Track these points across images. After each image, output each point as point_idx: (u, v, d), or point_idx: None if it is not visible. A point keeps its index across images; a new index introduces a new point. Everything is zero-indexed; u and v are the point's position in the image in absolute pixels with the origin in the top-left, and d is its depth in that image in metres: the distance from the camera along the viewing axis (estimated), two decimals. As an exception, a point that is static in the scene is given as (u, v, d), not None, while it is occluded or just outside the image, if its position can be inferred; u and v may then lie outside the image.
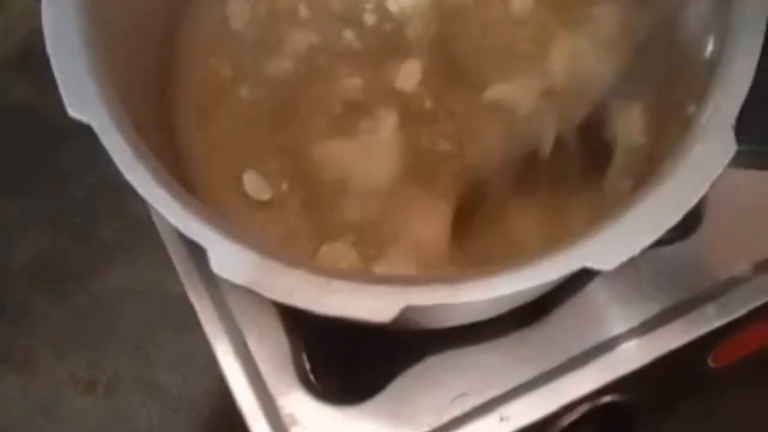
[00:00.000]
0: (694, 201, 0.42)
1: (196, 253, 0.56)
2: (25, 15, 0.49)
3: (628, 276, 0.57)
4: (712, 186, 0.56)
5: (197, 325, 0.56)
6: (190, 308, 0.56)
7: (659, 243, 0.56)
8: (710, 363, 0.61)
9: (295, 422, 0.54)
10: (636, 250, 0.41)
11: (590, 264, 0.41)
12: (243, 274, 0.40)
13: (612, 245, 0.41)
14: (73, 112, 0.42)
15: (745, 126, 0.44)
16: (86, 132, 0.58)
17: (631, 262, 0.54)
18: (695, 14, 0.50)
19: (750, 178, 0.58)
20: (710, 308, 0.57)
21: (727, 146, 0.42)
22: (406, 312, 0.40)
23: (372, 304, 0.40)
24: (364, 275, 0.45)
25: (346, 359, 0.56)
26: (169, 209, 0.41)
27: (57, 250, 0.67)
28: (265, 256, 0.41)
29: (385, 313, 0.40)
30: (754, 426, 0.62)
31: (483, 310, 0.50)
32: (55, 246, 0.67)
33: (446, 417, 0.54)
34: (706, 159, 0.42)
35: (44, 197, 0.68)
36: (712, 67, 0.46)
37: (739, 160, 0.44)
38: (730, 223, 0.58)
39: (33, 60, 0.52)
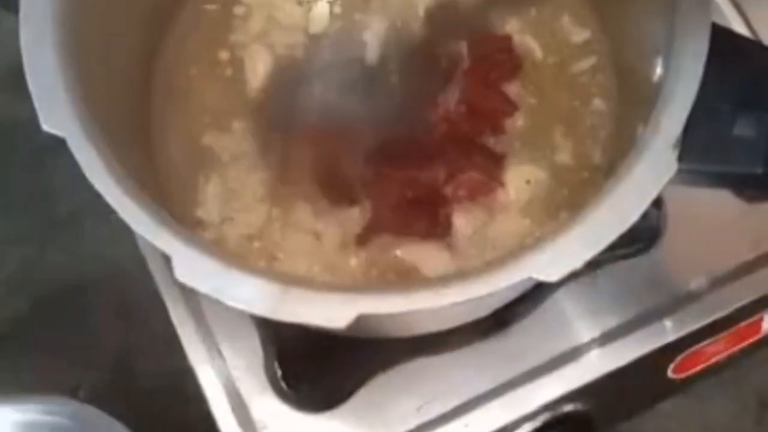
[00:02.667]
0: (635, 218, 0.43)
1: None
2: (15, 31, 0.51)
3: (589, 289, 0.59)
4: (667, 202, 0.59)
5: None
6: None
7: (620, 257, 0.60)
8: (670, 374, 0.63)
9: (265, 427, 0.56)
10: (578, 263, 0.43)
11: (535, 275, 0.42)
12: (205, 282, 0.42)
13: (557, 257, 0.43)
14: (47, 126, 0.44)
15: (689, 146, 0.45)
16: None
17: (591, 276, 0.57)
18: (646, 38, 0.52)
19: (708, 195, 0.59)
20: (667, 322, 0.59)
21: (667, 166, 0.44)
22: (364, 319, 0.42)
23: (328, 312, 0.42)
24: (320, 284, 0.47)
25: (317, 367, 0.58)
26: (135, 219, 0.43)
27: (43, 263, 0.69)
28: (227, 265, 0.43)
29: (340, 321, 0.42)
30: (714, 428, 0.64)
31: (442, 319, 0.52)
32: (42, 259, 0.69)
33: (413, 423, 0.57)
34: (646, 178, 0.44)
35: (31, 212, 0.69)
36: (659, 90, 0.48)
37: (686, 179, 0.46)
38: (688, 238, 0.60)
39: (15, 75, 0.53)
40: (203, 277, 0.42)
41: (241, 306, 0.42)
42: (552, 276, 0.43)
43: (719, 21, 0.59)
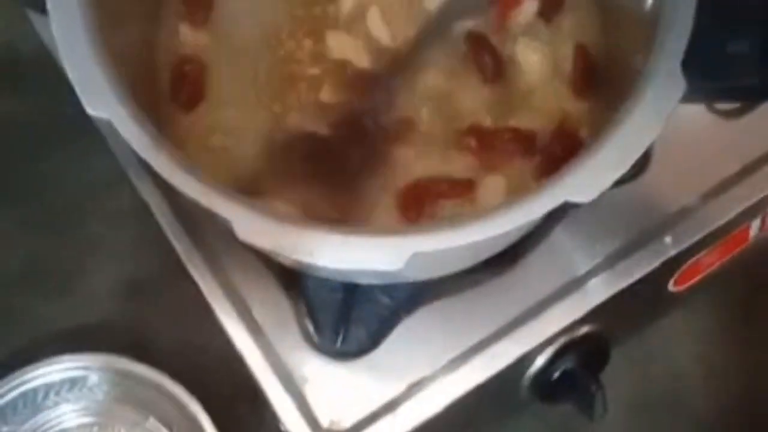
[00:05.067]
0: (653, 136, 0.47)
1: (195, 233, 0.60)
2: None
3: (589, 219, 0.62)
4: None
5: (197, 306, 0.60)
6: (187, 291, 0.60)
7: (614, 184, 0.63)
8: (671, 288, 0.66)
9: (306, 381, 0.59)
10: (608, 182, 0.46)
11: (571, 198, 0.46)
12: (267, 239, 0.44)
13: (587, 181, 0.46)
14: (92, 110, 0.46)
15: (689, 65, 0.48)
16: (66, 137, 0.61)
17: (591, 205, 0.60)
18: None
19: (692, 114, 0.63)
20: (666, 239, 0.62)
21: (678, 85, 0.47)
22: (412, 259, 0.45)
23: (385, 255, 0.44)
24: (372, 230, 0.49)
25: (347, 317, 0.60)
26: (192, 188, 0.45)
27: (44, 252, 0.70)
28: (282, 221, 0.45)
29: (397, 261, 0.44)
30: (709, 336, 0.68)
31: (468, 257, 0.55)
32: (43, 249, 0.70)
33: (443, 360, 0.59)
34: (660, 97, 0.47)
35: (27, 203, 0.70)
36: (655, 16, 0.51)
37: (688, 97, 0.49)
38: (676, 158, 0.63)
39: (9, 69, 0.54)
40: (265, 235, 0.44)
41: (303, 258, 0.44)
42: (586, 197, 0.46)
43: None
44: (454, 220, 0.46)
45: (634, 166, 0.61)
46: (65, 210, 0.65)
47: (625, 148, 0.47)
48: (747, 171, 0.64)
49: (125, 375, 0.63)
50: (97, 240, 0.68)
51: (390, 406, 0.58)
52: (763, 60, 0.49)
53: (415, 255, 0.45)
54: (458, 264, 0.55)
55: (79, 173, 0.68)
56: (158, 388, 0.63)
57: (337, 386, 0.59)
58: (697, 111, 0.64)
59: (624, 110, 0.48)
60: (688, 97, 0.49)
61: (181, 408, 0.63)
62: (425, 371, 0.59)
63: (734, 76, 0.49)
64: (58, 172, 0.66)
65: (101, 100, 0.46)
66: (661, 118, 0.47)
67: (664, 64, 0.48)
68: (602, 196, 0.61)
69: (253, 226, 0.44)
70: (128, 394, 0.64)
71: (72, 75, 0.47)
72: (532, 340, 0.60)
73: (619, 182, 0.61)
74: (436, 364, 0.59)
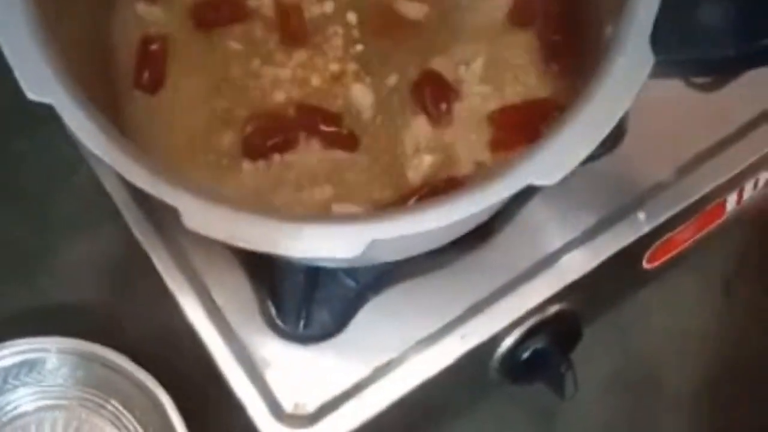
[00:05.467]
0: (621, 112, 0.45)
1: (154, 215, 0.59)
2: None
3: (562, 194, 0.61)
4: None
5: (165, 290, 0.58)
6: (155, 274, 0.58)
7: (588, 159, 0.61)
8: (645, 264, 0.65)
9: (268, 365, 0.57)
10: (575, 162, 0.44)
11: (535, 181, 0.44)
12: (218, 229, 0.42)
13: (553, 161, 0.44)
14: (32, 95, 0.44)
15: (661, 38, 0.46)
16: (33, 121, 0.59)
17: (564, 180, 0.58)
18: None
19: (666, 88, 0.60)
20: (640, 214, 0.61)
21: (646, 58, 0.46)
22: (370, 247, 0.43)
23: (342, 243, 0.43)
24: (329, 218, 0.48)
25: (310, 301, 0.58)
26: (137, 175, 0.43)
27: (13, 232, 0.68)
28: (237, 210, 0.43)
29: (354, 249, 0.42)
30: (686, 311, 0.67)
31: (436, 238, 0.53)
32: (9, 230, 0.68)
33: (411, 341, 0.58)
34: (628, 72, 0.45)
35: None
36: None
37: (660, 71, 0.47)
38: (651, 132, 0.62)
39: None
40: (214, 224, 0.42)
41: (259, 248, 0.42)
42: (552, 179, 0.44)
43: None
44: (413, 207, 0.44)
45: (608, 141, 0.61)
46: (33, 193, 0.64)
47: (590, 128, 0.45)
48: (722, 145, 0.62)
49: (86, 357, 0.62)
50: (65, 223, 0.66)
51: (355, 390, 0.57)
52: (737, 29, 0.47)
53: (374, 242, 0.43)
54: (424, 246, 0.53)
55: (48, 156, 0.67)
56: (120, 371, 0.62)
57: (301, 370, 0.57)
58: (672, 84, 0.62)
59: (590, 88, 0.46)
60: (661, 72, 0.47)
61: (144, 391, 0.61)
62: (392, 354, 0.57)
63: (707, 48, 0.48)
64: (26, 155, 0.63)
65: (43, 84, 0.44)
66: (629, 96, 0.45)
67: (631, 39, 0.46)
68: (575, 171, 0.61)
69: (202, 216, 0.43)
70: (89, 377, 0.63)
71: (11, 58, 0.45)
72: (503, 319, 0.59)
73: (593, 157, 0.61)
74: (402, 346, 0.58)
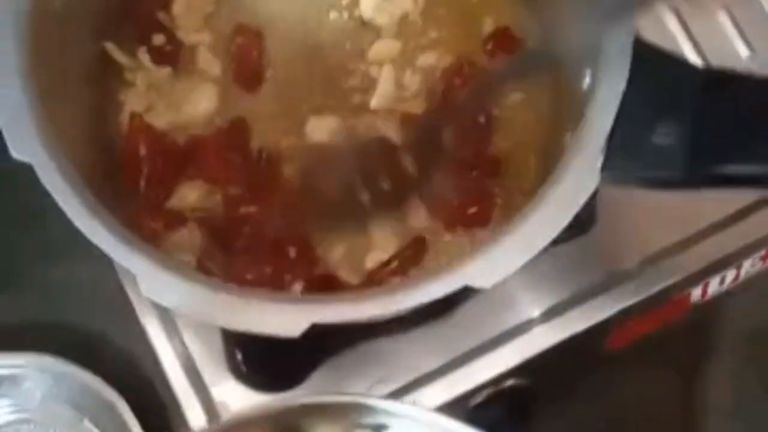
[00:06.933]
0: (561, 227, 0.47)
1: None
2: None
3: (530, 270, 0.61)
4: (601, 190, 0.62)
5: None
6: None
7: (557, 241, 0.63)
8: (606, 347, 0.67)
9: (226, 409, 0.60)
10: (511, 270, 0.46)
11: (471, 283, 0.46)
12: (170, 299, 0.46)
13: (491, 267, 0.47)
14: (15, 154, 0.47)
15: (613, 152, 0.49)
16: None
17: (533, 259, 0.60)
18: (578, 48, 0.55)
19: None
20: (605, 298, 0.63)
21: (592, 177, 0.48)
22: (318, 326, 0.46)
23: (283, 323, 0.46)
24: (276, 296, 0.50)
25: (275, 351, 0.61)
26: (102, 240, 0.47)
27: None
28: (189, 281, 0.46)
29: (294, 329, 0.45)
30: (646, 405, 0.68)
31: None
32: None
33: (363, 402, 0.60)
34: (573, 188, 0.48)
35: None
36: (587, 98, 0.51)
37: (612, 181, 0.50)
38: (621, 222, 0.64)
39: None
40: (167, 294, 0.46)
41: (203, 320, 0.45)
42: (487, 284, 0.46)
43: (662, 34, 0.64)
44: (356, 295, 0.47)
45: (581, 224, 0.64)
46: (25, 209, 0.66)
47: (532, 236, 0.47)
48: (689, 241, 0.64)
49: (61, 376, 0.65)
50: (57, 244, 0.68)
51: (307, 443, 0.59)
52: (688, 155, 0.49)
53: (314, 326, 0.46)
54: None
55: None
56: (93, 393, 0.64)
57: (259, 418, 0.60)
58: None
59: (537, 198, 0.48)
60: (610, 181, 0.49)
61: (114, 414, 0.64)
62: (347, 410, 0.60)
63: (658, 167, 0.49)
64: (28, 172, 0.66)
65: (26, 145, 0.48)
66: (572, 209, 0.47)
67: (582, 153, 0.48)
68: (545, 251, 0.62)
69: (157, 284, 0.46)
70: (64, 395, 0.65)
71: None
72: (459, 388, 0.61)
73: (565, 239, 0.63)
74: (355, 405, 0.60)
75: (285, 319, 0.46)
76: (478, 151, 0.60)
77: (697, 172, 0.49)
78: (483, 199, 0.59)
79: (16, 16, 0.51)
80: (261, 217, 0.58)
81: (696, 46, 0.67)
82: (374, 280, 0.57)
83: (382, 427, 0.46)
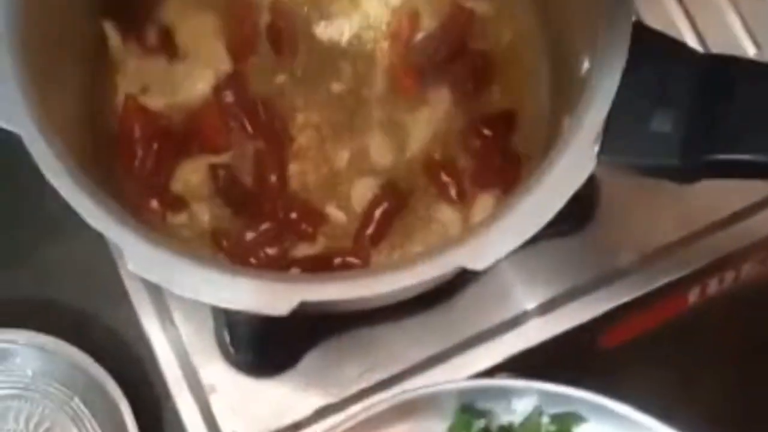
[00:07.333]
0: (556, 210, 0.46)
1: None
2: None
3: (527, 263, 0.62)
4: (601, 183, 0.62)
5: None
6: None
7: (556, 235, 0.62)
8: (600, 344, 0.66)
9: (214, 390, 0.60)
10: (502, 253, 0.46)
11: (463, 264, 0.45)
12: (156, 273, 0.45)
13: (483, 249, 0.46)
14: (3, 123, 0.47)
15: (610, 140, 0.48)
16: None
17: (530, 251, 0.60)
18: (579, 33, 0.54)
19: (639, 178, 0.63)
20: (601, 294, 0.62)
21: (588, 161, 0.47)
22: (306, 304, 0.45)
23: (271, 300, 0.45)
24: (265, 273, 0.50)
25: (265, 334, 0.61)
26: (89, 213, 0.46)
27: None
28: (176, 256, 0.46)
29: (282, 308, 0.45)
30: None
31: (382, 300, 0.55)
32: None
33: (353, 389, 0.60)
34: (568, 173, 0.47)
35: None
36: (585, 84, 0.50)
37: (609, 169, 0.49)
38: (620, 217, 0.63)
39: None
40: (154, 268, 0.45)
41: (188, 295, 0.45)
42: (479, 265, 0.46)
43: (667, 25, 0.63)
44: (345, 274, 0.46)
45: (579, 218, 0.63)
46: (29, 190, 0.65)
47: (525, 220, 0.46)
48: (688, 240, 0.63)
49: (53, 354, 0.64)
50: (53, 222, 0.68)
51: (294, 428, 0.59)
52: (685, 143, 0.48)
53: (303, 303, 0.45)
54: (372, 304, 0.55)
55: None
56: (84, 371, 0.64)
57: (246, 400, 0.60)
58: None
59: (530, 182, 0.47)
60: (607, 170, 0.49)
61: (104, 394, 0.64)
62: (333, 398, 0.60)
63: (656, 156, 0.48)
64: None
65: (13, 114, 0.47)
66: (566, 193, 0.46)
67: (578, 137, 0.47)
68: (543, 242, 0.62)
69: (144, 259, 0.45)
70: (55, 373, 0.65)
71: None
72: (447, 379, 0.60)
73: (563, 232, 0.63)
74: (345, 392, 0.60)
75: (274, 296, 0.45)
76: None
77: (694, 160, 0.48)
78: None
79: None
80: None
81: (702, 41, 0.66)
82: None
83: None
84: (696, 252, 0.63)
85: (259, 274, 0.47)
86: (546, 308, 0.62)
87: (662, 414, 0.53)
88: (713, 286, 0.66)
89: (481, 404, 0.53)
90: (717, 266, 0.64)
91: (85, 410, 0.66)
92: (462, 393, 0.53)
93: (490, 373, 0.61)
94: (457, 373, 0.60)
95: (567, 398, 0.53)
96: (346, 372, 0.61)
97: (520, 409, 0.54)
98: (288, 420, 0.59)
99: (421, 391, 0.52)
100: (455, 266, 0.46)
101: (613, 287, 0.62)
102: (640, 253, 0.63)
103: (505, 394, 0.53)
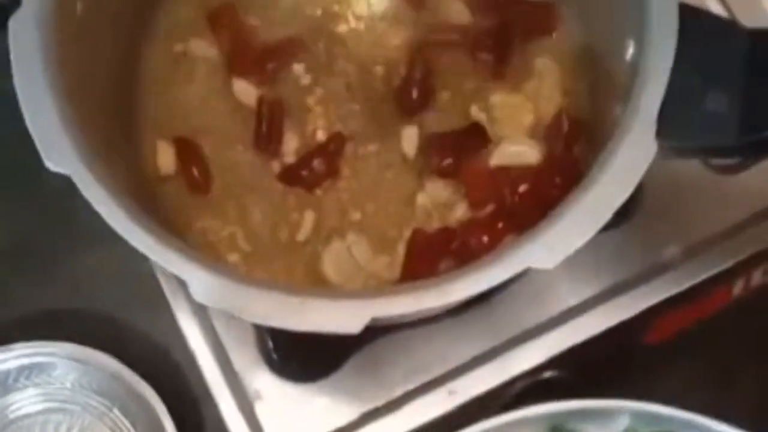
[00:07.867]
0: (621, 201, 0.46)
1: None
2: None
3: (568, 261, 0.60)
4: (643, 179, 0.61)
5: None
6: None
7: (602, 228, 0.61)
8: (644, 341, 0.65)
9: (259, 398, 0.58)
10: (572, 249, 0.45)
11: (533, 265, 0.45)
12: (225, 302, 0.44)
13: (551, 247, 0.45)
14: (51, 165, 0.46)
15: (665, 123, 0.47)
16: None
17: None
18: (619, 21, 0.53)
19: (684, 166, 0.62)
20: (645, 289, 0.61)
21: (648, 148, 0.46)
22: (377, 320, 0.45)
23: (342, 320, 0.44)
24: (332, 293, 0.49)
25: (307, 340, 0.59)
26: (148, 247, 0.45)
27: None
28: (242, 284, 0.45)
29: (354, 325, 0.44)
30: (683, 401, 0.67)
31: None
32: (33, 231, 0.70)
33: (398, 391, 0.59)
34: (630, 162, 0.46)
35: (22, 186, 0.69)
36: (633, 71, 0.49)
37: (665, 153, 0.48)
38: (663, 210, 0.62)
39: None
40: (222, 297, 0.44)
41: (258, 321, 0.44)
42: (549, 264, 0.45)
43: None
44: (412, 286, 0.45)
45: (622, 212, 0.62)
46: (62, 200, 0.64)
47: (592, 214, 0.46)
48: (734, 230, 0.62)
49: (92, 365, 0.63)
50: (87, 232, 0.66)
51: (341, 433, 0.58)
52: (741, 121, 0.47)
53: (374, 319, 0.44)
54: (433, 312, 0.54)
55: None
56: (123, 382, 0.63)
57: (290, 407, 0.59)
58: (691, 163, 0.62)
59: (592, 175, 0.46)
60: (662, 154, 0.48)
61: (144, 405, 0.63)
62: (379, 401, 0.59)
63: (713, 136, 0.48)
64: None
65: (61, 155, 0.46)
66: (631, 183, 0.46)
67: (635, 124, 0.47)
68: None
69: (209, 289, 0.44)
70: (94, 384, 0.64)
71: (32, 127, 0.47)
72: (494, 379, 0.59)
73: (606, 227, 0.62)
74: (391, 394, 0.59)
75: (344, 315, 0.44)
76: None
77: (750, 137, 0.47)
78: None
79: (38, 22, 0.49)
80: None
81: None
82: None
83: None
84: (740, 243, 0.62)
85: (325, 294, 0.46)
86: (590, 305, 0.61)
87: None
88: (757, 278, 0.65)
89: (572, 425, 0.52)
90: (761, 257, 0.63)
91: (125, 420, 0.65)
92: (552, 416, 0.51)
93: (533, 372, 0.60)
94: (503, 373, 0.59)
95: (659, 417, 0.51)
96: (389, 374, 0.59)
97: (613, 430, 0.52)
98: (334, 425, 0.58)
99: (508, 417, 0.51)
100: (525, 267, 0.45)
101: (658, 281, 0.61)
102: (683, 246, 0.62)
103: (597, 414, 0.52)
